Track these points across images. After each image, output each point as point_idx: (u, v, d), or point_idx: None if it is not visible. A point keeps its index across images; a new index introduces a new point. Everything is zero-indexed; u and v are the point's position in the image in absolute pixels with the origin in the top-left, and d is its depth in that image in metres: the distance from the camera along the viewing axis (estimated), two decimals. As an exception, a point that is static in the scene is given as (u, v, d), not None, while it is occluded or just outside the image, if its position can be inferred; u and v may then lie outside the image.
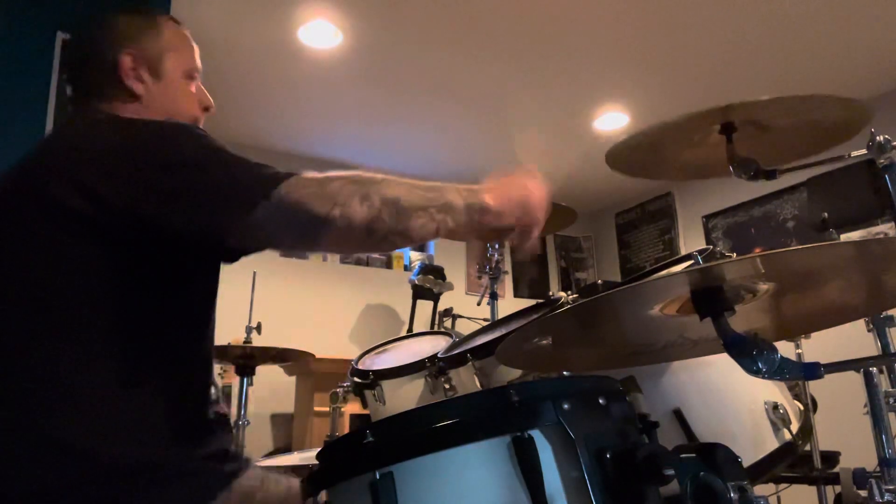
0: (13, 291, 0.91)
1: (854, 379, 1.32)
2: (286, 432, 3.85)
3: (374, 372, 1.72)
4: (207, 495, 0.92)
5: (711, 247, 1.19)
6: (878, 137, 1.24)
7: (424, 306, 4.22)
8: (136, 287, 0.92)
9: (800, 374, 0.78)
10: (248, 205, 0.86)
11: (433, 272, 4.18)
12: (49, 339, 0.88)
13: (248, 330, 2.65)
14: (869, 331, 1.41)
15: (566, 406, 0.66)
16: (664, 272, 1.22)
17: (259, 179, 0.88)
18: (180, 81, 1.14)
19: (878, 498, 1.20)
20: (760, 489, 0.98)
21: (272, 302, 3.49)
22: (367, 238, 0.90)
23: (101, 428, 0.87)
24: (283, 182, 0.87)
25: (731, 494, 0.66)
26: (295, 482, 1.10)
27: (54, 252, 0.90)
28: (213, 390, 1.08)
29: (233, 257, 0.96)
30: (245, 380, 2.50)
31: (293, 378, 3.73)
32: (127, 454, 0.87)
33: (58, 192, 0.90)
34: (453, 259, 4.81)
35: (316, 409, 3.33)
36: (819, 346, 1.73)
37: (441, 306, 4.26)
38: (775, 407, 1.09)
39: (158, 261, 0.93)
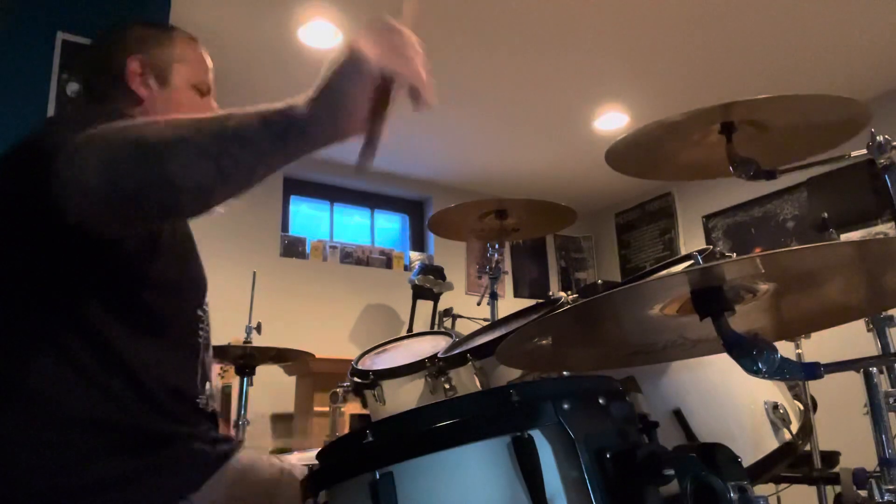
0: None
1: (854, 379, 1.32)
2: (286, 432, 3.85)
3: (374, 372, 1.72)
4: (200, 476, 0.93)
5: (711, 247, 1.19)
6: (878, 137, 1.25)
7: (424, 306, 4.22)
8: (82, 274, 0.90)
9: (800, 374, 0.78)
10: (64, 143, 0.76)
11: (433, 272, 4.18)
12: (11, 342, 0.89)
13: (248, 330, 2.64)
14: (869, 331, 1.41)
15: (566, 406, 0.66)
16: (664, 272, 1.22)
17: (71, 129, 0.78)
18: (187, 92, 1.15)
19: (878, 498, 1.20)
20: (760, 489, 0.98)
21: (272, 302, 3.49)
22: (113, 200, 0.72)
23: (77, 425, 0.87)
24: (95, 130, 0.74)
25: (731, 494, 0.66)
26: (289, 465, 1.10)
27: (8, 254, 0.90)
28: (208, 385, 1.08)
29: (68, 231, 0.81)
30: (245, 380, 2.50)
31: (293, 378, 3.73)
32: (109, 447, 0.87)
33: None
34: (453, 259, 4.81)
35: (316, 409, 3.33)
36: (819, 346, 1.73)
37: (441, 306, 4.26)
38: (775, 407, 1.09)
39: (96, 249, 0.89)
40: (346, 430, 2.22)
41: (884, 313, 1.38)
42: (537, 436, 0.64)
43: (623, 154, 1.47)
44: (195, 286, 1.09)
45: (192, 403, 1.03)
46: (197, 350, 1.07)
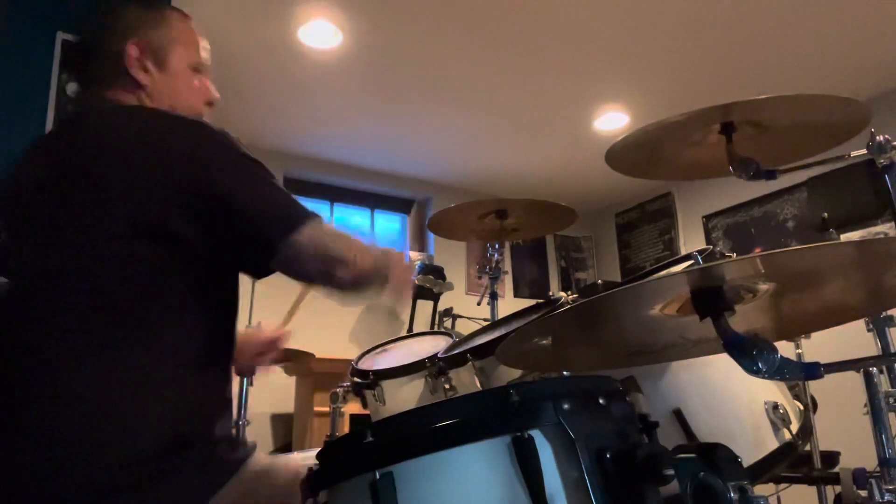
0: (40, 280, 0.92)
1: (854, 379, 1.32)
2: (286, 432, 3.85)
3: (375, 372, 1.72)
4: (217, 482, 0.93)
5: (711, 247, 1.19)
6: (878, 137, 1.25)
7: (424, 306, 4.21)
8: (172, 272, 0.94)
9: (800, 374, 0.78)
10: (294, 224, 0.97)
11: (433, 272, 4.17)
12: (80, 328, 0.89)
13: (249, 330, 2.64)
14: (869, 331, 1.41)
15: (566, 406, 0.66)
16: (664, 272, 1.22)
17: (303, 209, 1.00)
18: (186, 74, 1.15)
19: (878, 498, 1.20)
20: (760, 489, 0.98)
21: (272, 302, 3.48)
22: (364, 287, 1.06)
23: (115, 418, 0.87)
24: (317, 218, 1.00)
25: (731, 494, 0.66)
26: (303, 466, 1.10)
27: (94, 244, 0.91)
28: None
29: (261, 273, 1.03)
30: (245, 380, 2.50)
31: (293, 378, 3.72)
32: (141, 443, 0.88)
33: (114, 191, 0.92)
34: (453, 259, 4.81)
35: (316, 409, 3.33)
36: (819, 346, 1.73)
37: (441, 306, 4.25)
38: (775, 407, 1.08)
39: (198, 250, 0.95)
40: (346, 430, 2.22)
41: (884, 313, 1.38)
42: (537, 436, 0.64)
43: (623, 154, 1.47)
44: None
45: (228, 401, 1.05)
46: (232, 353, 1.10)
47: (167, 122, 1.02)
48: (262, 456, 1.06)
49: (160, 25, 1.14)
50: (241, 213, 0.96)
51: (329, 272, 1.01)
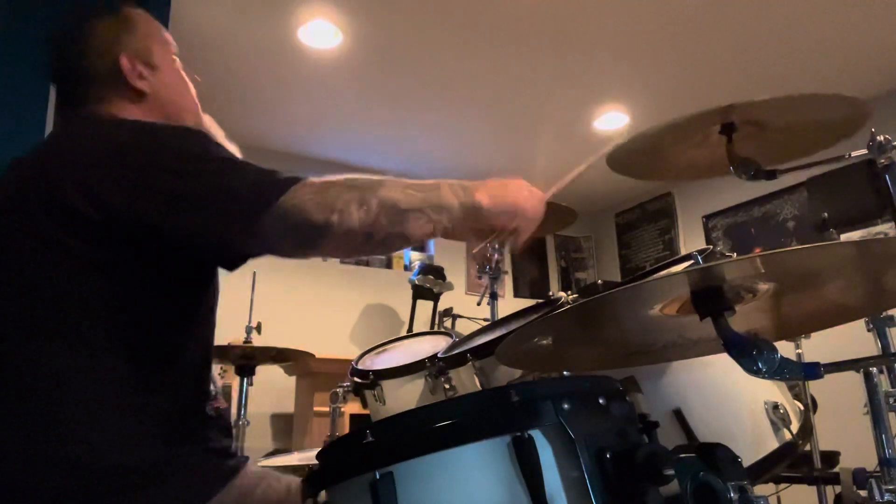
0: (10, 292, 0.91)
1: (854, 379, 1.32)
2: (286, 432, 3.85)
3: (375, 372, 1.72)
4: (205, 493, 0.93)
5: (711, 247, 1.19)
6: (878, 137, 1.25)
7: (424, 306, 4.22)
8: (136, 288, 0.92)
9: (800, 374, 0.78)
10: (254, 213, 0.86)
11: (433, 272, 4.18)
12: (43, 341, 0.88)
13: (248, 330, 2.64)
14: (869, 331, 1.41)
15: (566, 406, 0.66)
16: (664, 272, 1.22)
17: (264, 188, 0.88)
18: (172, 65, 1.14)
19: (878, 498, 1.20)
20: (760, 489, 0.98)
21: (272, 302, 3.49)
22: (365, 242, 0.91)
23: (98, 429, 0.87)
24: (286, 190, 0.87)
25: (731, 494, 0.66)
26: (295, 480, 1.10)
27: (54, 254, 0.90)
28: (212, 387, 1.09)
29: (233, 264, 0.97)
30: (245, 380, 2.50)
31: (293, 378, 3.73)
32: (125, 454, 0.87)
33: (64, 193, 0.89)
34: (453, 259, 4.81)
35: (316, 409, 3.33)
36: (819, 346, 1.73)
37: (441, 306, 4.26)
38: (775, 407, 1.08)
39: (160, 262, 0.93)
40: (346, 430, 2.22)
41: (884, 313, 1.38)
42: (537, 436, 0.64)
43: (624, 157, 1.47)
44: (216, 298, 1.10)
45: (204, 414, 1.03)
46: (209, 361, 1.07)
47: (136, 124, 1.01)
48: (255, 469, 1.05)
49: (131, 29, 1.11)
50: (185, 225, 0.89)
51: (306, 246, 0.91)
